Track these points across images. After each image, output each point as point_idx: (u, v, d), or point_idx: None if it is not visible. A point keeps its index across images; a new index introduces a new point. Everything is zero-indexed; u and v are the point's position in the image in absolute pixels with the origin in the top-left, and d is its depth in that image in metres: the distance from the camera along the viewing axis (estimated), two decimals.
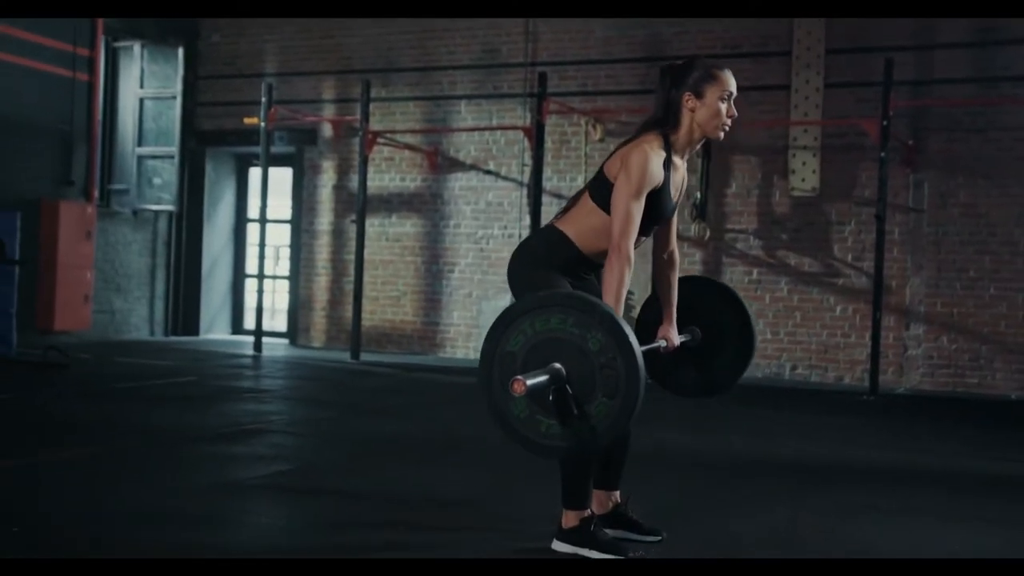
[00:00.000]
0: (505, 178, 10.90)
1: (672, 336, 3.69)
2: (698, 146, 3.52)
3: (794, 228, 9.82)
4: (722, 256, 10.01)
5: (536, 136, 9.66)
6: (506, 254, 10.62)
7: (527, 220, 10.39)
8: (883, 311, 8.90)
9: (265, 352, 10.55)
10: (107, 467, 4.76)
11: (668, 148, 3.42)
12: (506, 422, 3.09)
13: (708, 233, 9.90)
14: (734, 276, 9.85)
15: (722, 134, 3.45)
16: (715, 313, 3.84)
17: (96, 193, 11.22)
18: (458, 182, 11.10)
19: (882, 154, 8.60)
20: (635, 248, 3.39)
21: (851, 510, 4.32)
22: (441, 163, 11.16)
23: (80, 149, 11.03)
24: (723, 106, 3.41)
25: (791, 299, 9.80)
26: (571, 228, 3.46)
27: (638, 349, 2.96)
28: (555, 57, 10.70)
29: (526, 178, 10.65)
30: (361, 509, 4.12)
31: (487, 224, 10.95)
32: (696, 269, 9.86)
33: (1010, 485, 5.08)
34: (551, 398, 3.00)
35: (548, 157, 10.29)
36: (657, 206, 3.41)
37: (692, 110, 3.41)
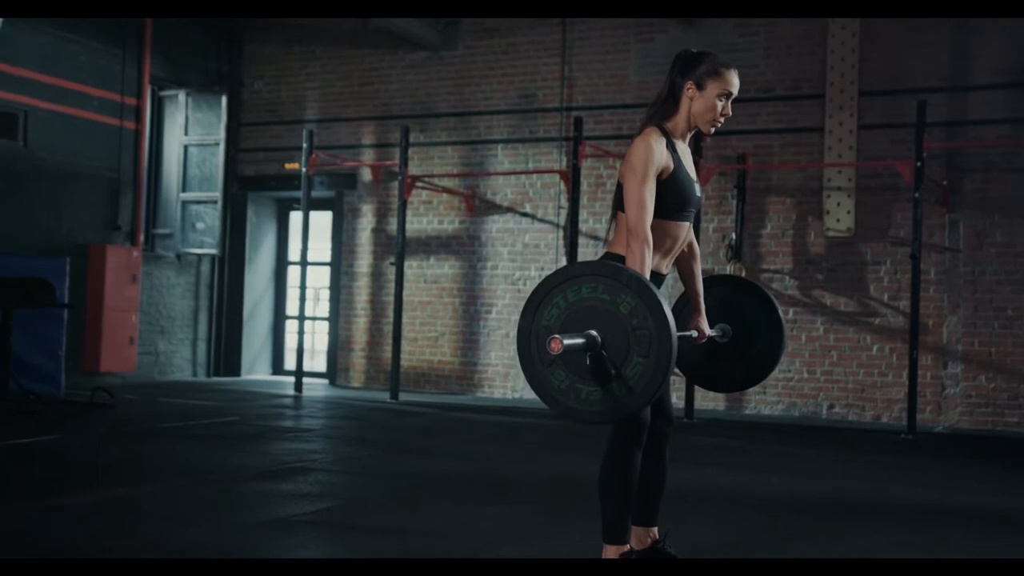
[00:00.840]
0: (542, 220, 11.04)
1: (703, 326, 3.82)
2: (689, 136, 3.65)
3: (829, 268, 9.88)
4: None
5: (572, 179, 9.80)
6: None
7: (563, 261, 10.52)
8: (920, 350, 8.92)
9: (305, 392, 10.71)
10: (158, 505, 4.90)
11: (667, 134, 3.57)
12: (547, 394, 3.23)
13: (744, 273, 9.98)
14: None
15: (712, 130, 3.61)
16: (745, 311, 3.97)
17: (142, 238, 11.49)
18: (495, 224, 11.26)
19: (916, 195, 8.66)
20: (680, 237, 3.57)
21: (889, 547, 4.37)
22: (478, 206, 11.33)
23: (127, 195, 11.31)
24: (719, 103, 3.56)
25: (827, 339, 9.84)
26: (618, 247, 3.58)
27: (667, 307, 3.10)
28: (590, 101, 10.88)
29: (562, 220, 10.80)
30: (406, 545, 4.22)
31: (524, 265, 11.09)
32: None
33: None
34: (589, 363, 3.14)
35: (584, 200, 10.43)
36: (680, 187, 3.55)
37: (691, 99, 3.57)
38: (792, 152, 10.00)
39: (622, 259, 3.53)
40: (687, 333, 3.79)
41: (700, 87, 3.55)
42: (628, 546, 3.58)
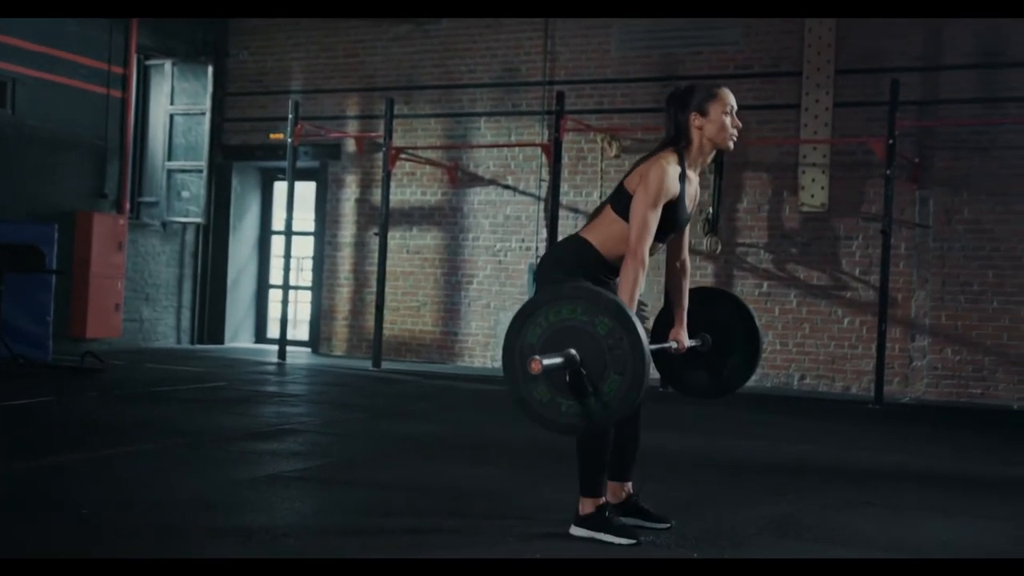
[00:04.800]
0: (523, 193, 11.24)
1: (682, 338, 4.03)
2: (710, 158, 3.89)
3: (803, 242, 10.13)
4: (733, 269, 10.33)
5: (554, 152, 10.01)
6: (523, 266, 10.98)
7: (544, 234, 10.74)
8: (889, 323, 9.19)
9: (289, 360, 10.91)
10: (155, 462, 5.11)
11: (683, 163, 3.78)
12: (530, 407, 3.48)
13: (720, 247, 10.22)
14: (745, 289, 10.16)
15: (731, 143, 3.83)
16: (724, 321, 4.20)
17: (128, 206, 11.62)
18: (477, 196, 11.46)
19: (888, 172, 8.91)
20: (651, 255, 3.75)
21: (848, 505, 4.63)
22: (461, 178, 11.52)
23: (113, 163, 11.44)
24: (727, 119, 3.79)
25: (800, 311, 10.10)
26: (595, 237, 3.80)
27: (641, 328, 3.34)
28: (572, 76, 11.06)
29: (543, 193, 11.01)
30: (392, 498, 4.45)
31: (505, 237, 11.30)
32: (708, 281, 10.17)
33: (1005, 485, 5.37)
34: (568, 380, 3.37)
35: (565, 173, 10.64)
36: (673, 216, 3.77)
37: (700, 128, 3.79)
38: (769, 128, 10.23)
39: (590, 245, 3.78)
40: (667, 345, 4.02)
41: (704, 114, 3.78)
42: (604, 499, 3.82)
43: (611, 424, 3.47)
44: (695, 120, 3.78)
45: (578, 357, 3.36)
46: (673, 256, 4.04)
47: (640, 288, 3.64)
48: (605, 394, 3.35)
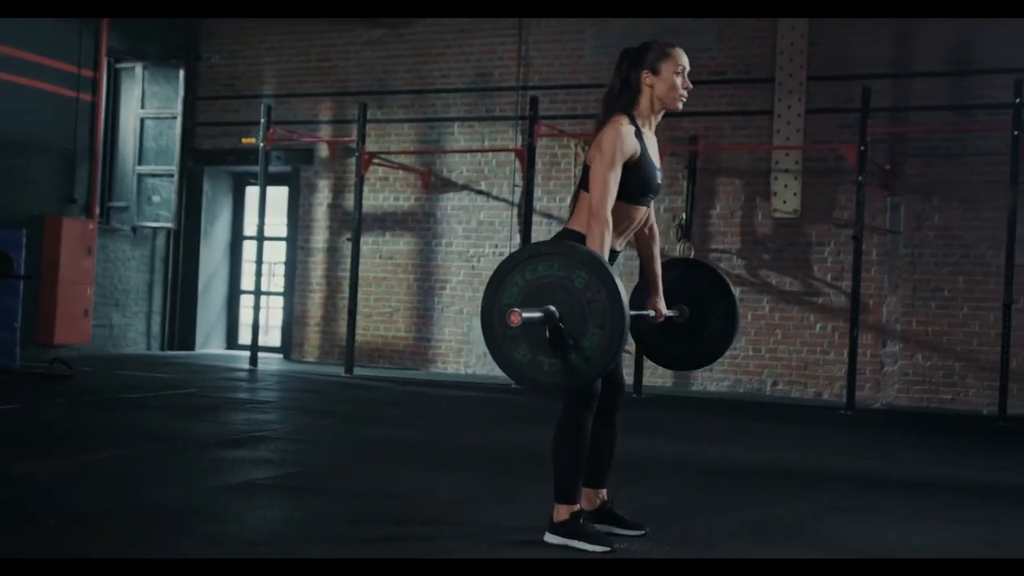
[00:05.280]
0: (496, 198, 11.23)
1: (660, 306, 4.06)
2: (659, 117, 3.89)
3: (776, 248, 10.16)
4: None
5: (527, 158, 10.00)
6: None
7: (517, 239, 10.73)
8: (860, 329, 9.23)
9: (260, 366, 10.82)
10: (125, 470, 5.05)
11: (635, 122, 3.79)
12: (512, 368, 3.47)
13: (693, 252, 10.24)
14: None
15: (680, 104, 3.85)
16: (701, 292, 4.22)
17: (97, 210, 11.51)
18: (450, 202, 11.43)
19: (860, 178, 8.95)
20: (638, 220, 3.79)
21: (822, 510, 4.64)
22: (434, 183, 11.49)
23: (83, 167, 11.33)
24: (678, 79, 3.81)
25: (772, 317, 10.14)
26: (579, 223, 3.77)
27: (619, 279, 3.33)
28: (546, 81, 11.06)
29: (517, 198, 10.99)
30: (365, 506, 4.41)
31: (478, 243, 11.28)
32: None
33: (978, 490, 5.39)
34: (548, 336, 3.36)
35: (539, 178, 10.63)
36: (644, 173, 3.77)
37: (651, 86, 3.80)
38: (742, 135, 10.27)
39: (581, 236, 3.74)
40: (645, 312, 4.02)
41: (656, 72, 3.78)
42: (578, 506, 3.80)
43: (594, 378, 3.45)
44: (647, 78, 3.79)
45: (557, 313, 3.35)
46: (641, 223, 4.03)
47: (607, 247, 3.62)
48: (586, 348, 3.35)
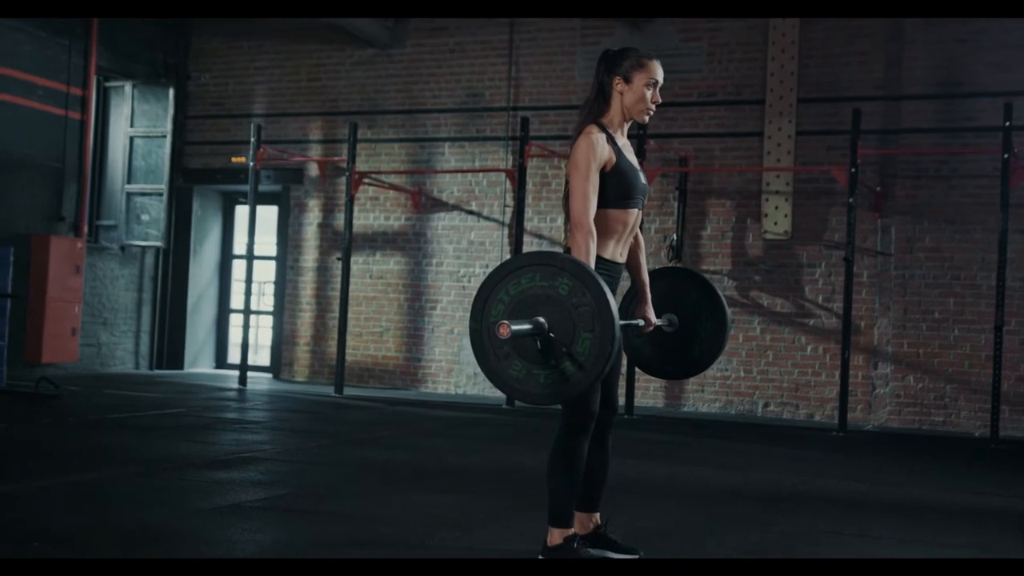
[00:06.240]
0: (487, 218, 11.21)
1: (649, 314, 4.03)
2: (627, 127, 3.89)
3: (767, 270, 10.16)
4: None
5: (518, 178, 9.99)
6: None
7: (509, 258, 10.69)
8: (852, 351, 9.22)
9: (249, 385, 10.77)
10: (112, 491, 4.99)
11: (605, 130, 3.78)
12: (507, 385, 3.44)
13: None
14: None
15: (646, 118, 3.85)
16: (690, 300, 4.21)
17: (85, 229, 11.46)
18: (441, 222, 11.41)
19: (851, 200, 8.96)
20: (631, 224, 3.78)
21: (815, 534, 4.61)
22: (424, 203, 11.47)
23: (71, 186, 11.27)
24: (648, 92, 3.81)
25: (763, 338, 10.12)
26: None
27: (601, 281, 3.32)
28: (536, 102, 11.06)
29: (507, 218, 10.98)
30: (356, 528, 4.36)
31: (469, 263, 11.25)
32: None
33: (971, 513, 5.36)
34: (540, 348, 3.35)
35: (529, 198, 10.62)
36: (624, 176, 3.76)
37: (621, 93, 3.81)
38: (732, 156, 10.28)
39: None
40: (634, 322, 4.00)
41: (628, 80, 3.79)
42: (572, 530, 3.76)
43: (589, 385, 3.40)
44: (618, 84, 3.80)
45: (546, 324, 3.33)
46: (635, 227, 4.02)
47: (592, 255, 3.60)
48: (579, 354, 3.33)
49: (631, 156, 3.85)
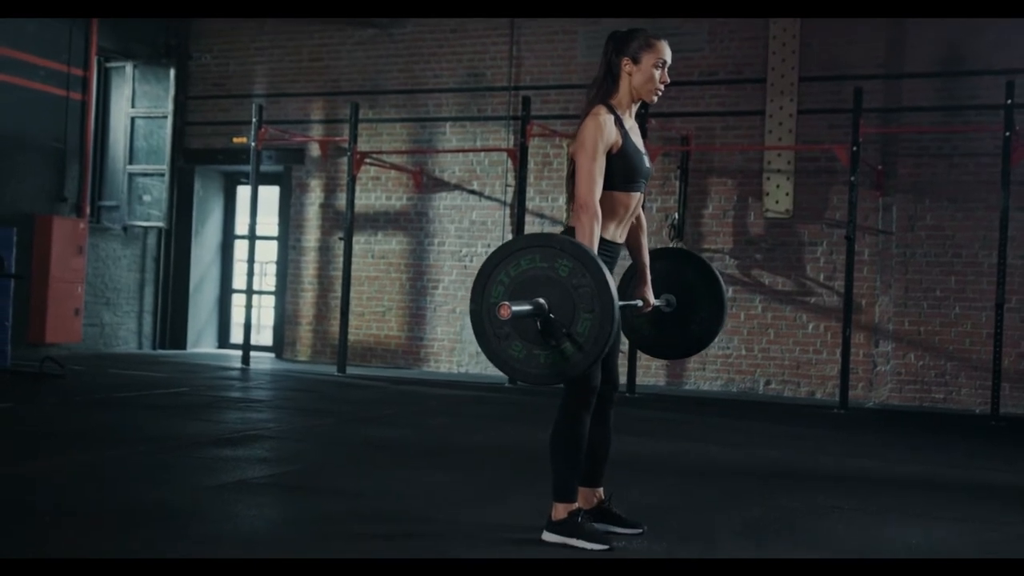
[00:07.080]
0: (489, 198, 11.22)
1: (648, 295, 4.07)
2: (635, 108, 3.89)
3: (768, 248, 10.18)
4: None
5: (519, 157, 9.99)
6: None
7: (510, 239, 10.69)
8: (853, 328, 9.25)
9: (252, 365, 10.80)
10: (118, 469, 5.03)
11: (614, 111, 3.79)
12: (508, 365, 3.48)
13: None
14: None
15: (655, 98, 3.86)
16: (688, 281, 4.25)
17: (88, 209, 11.47)
18: (443, 201, 11.42)
19: (852, 178, 8.97)
20: (632, 207, 3.80)
21: (817, 509, 4.64)
22: (426, 183, 11.47)
23: (73, 166, 11.29)
24: (657, 72, 3.81)
25: (765, 316, 10.15)
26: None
27: (601, 262, 3.35)
28: (538, 81, 11.05)
29: (509, 198, 10.98)
30: (360, 504, 4.39)
31: (470, 242, 11.27)
32: None
33: (971, 489, 5.40)
34: (540, 329, 3.37)
35: (531, 178, 10.62)
36: (630, 159, 3.78)
37: (629, 74, 3.82)
38: (734, 135, 10.28)
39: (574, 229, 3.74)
40: (633, 302, 4.03)
41: (636, 61, 3.79)
42: (576, 505, 3.80)
43: (591, 364, 3.42)
44: (626, 65, 3.81)
45: (546, 305, 3.36)
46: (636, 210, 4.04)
47: (596, 237, 3.62)
48: (579, 335, 3.36)
49: (637, 139, 3.87)
